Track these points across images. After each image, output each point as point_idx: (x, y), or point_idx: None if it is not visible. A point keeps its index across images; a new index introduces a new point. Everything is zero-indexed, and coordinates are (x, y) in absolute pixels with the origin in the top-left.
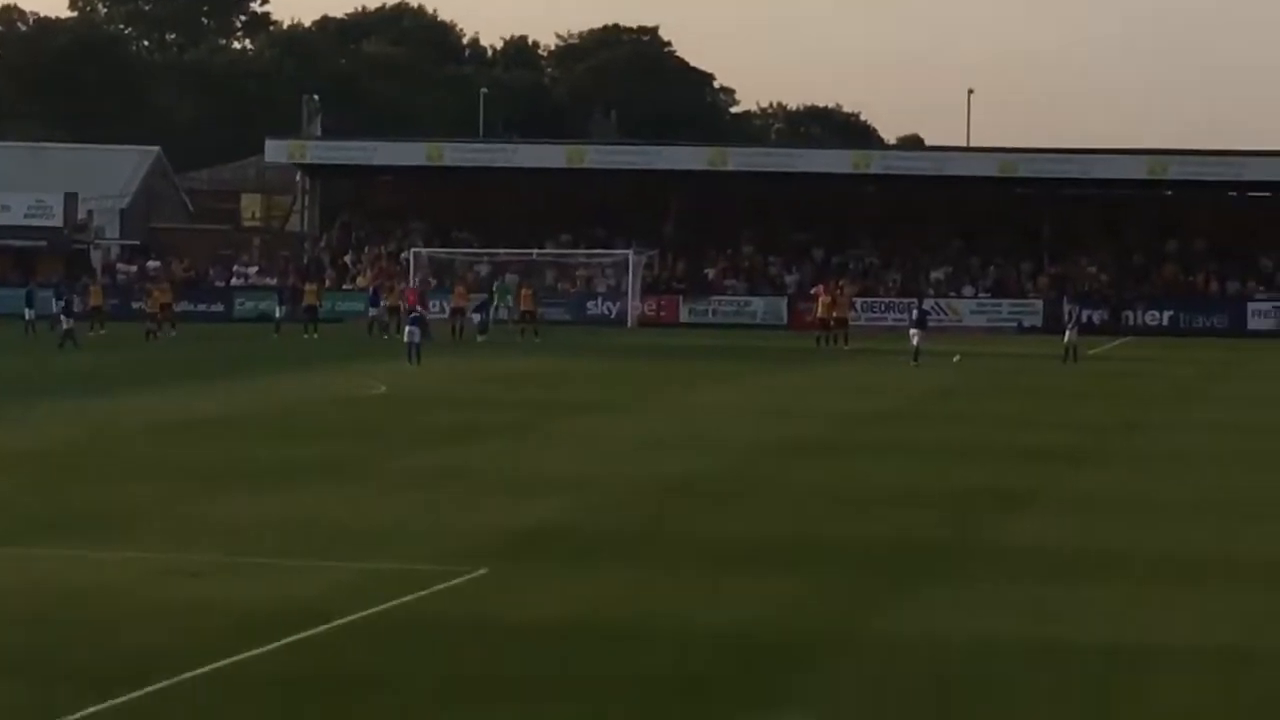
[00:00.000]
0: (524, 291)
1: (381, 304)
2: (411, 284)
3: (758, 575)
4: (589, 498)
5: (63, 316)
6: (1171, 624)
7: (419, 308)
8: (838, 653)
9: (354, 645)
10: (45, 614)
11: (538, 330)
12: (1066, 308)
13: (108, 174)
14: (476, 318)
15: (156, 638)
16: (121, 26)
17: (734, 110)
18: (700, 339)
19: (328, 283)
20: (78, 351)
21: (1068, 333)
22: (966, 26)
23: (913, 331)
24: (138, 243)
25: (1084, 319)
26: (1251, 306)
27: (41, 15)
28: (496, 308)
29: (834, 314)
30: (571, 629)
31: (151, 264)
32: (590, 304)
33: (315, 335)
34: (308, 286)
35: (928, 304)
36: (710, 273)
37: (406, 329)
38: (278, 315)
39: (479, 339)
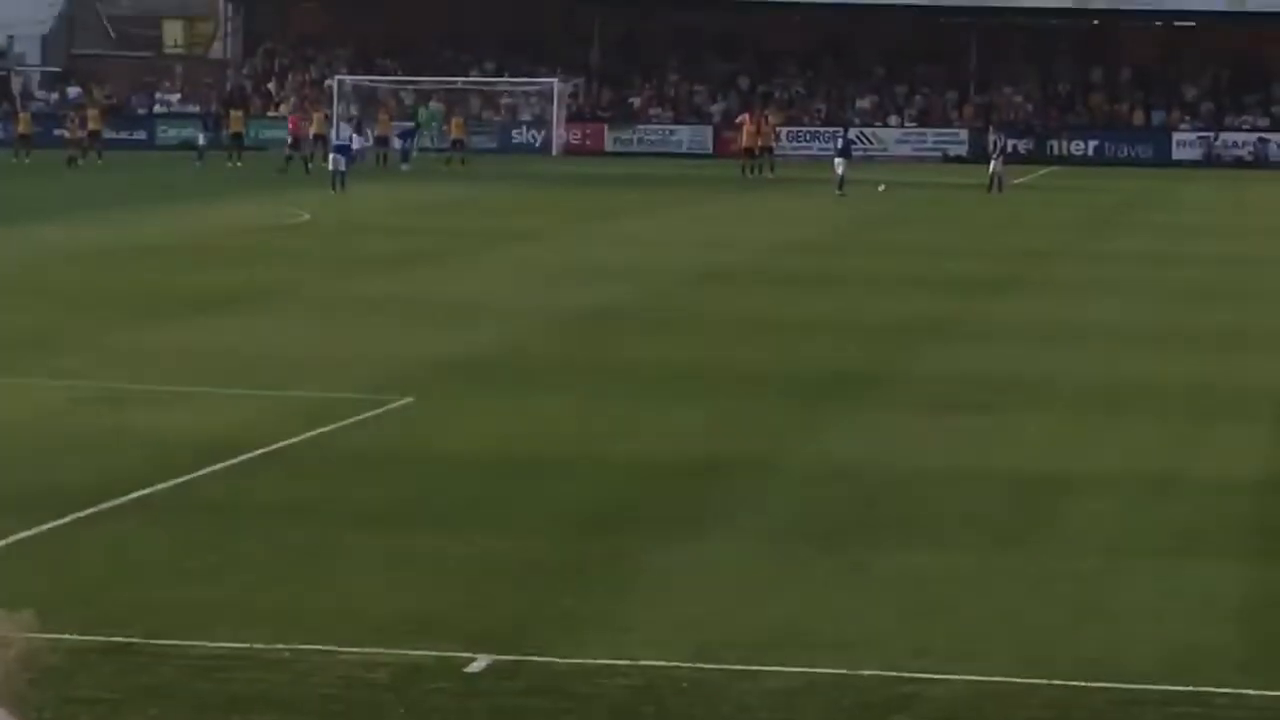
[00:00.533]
0: (455, 120)
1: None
2: (336, 113)
3: (679, 403)
4: (514, 327)
5: None
6: (1093, 452)
7: (354, 136)
8: (758, 480)
9: (278, 473)
10: None
11: (464, 159)
12: (991, 137)
13: None
14: (399, 144)
15: (79, 466)
16: None
17: None
18: (625, 168)
19: (251, 111)
20: None
21: (992, 162)
22: None
23: (837, 160)
24: (59, 69)
25: (1009, 148)
26: (1176, 136)
27: None
28: (420, 135)
29: (759, 143)
30: (495, 458)
31: (73, 90)
32: (515, 132)
33: (239, 163)
34: (233, 114)
35: (853, 133)
36: (636, 101)
37: (331, 157)
38: (201, 143)
39: (403, 167)
